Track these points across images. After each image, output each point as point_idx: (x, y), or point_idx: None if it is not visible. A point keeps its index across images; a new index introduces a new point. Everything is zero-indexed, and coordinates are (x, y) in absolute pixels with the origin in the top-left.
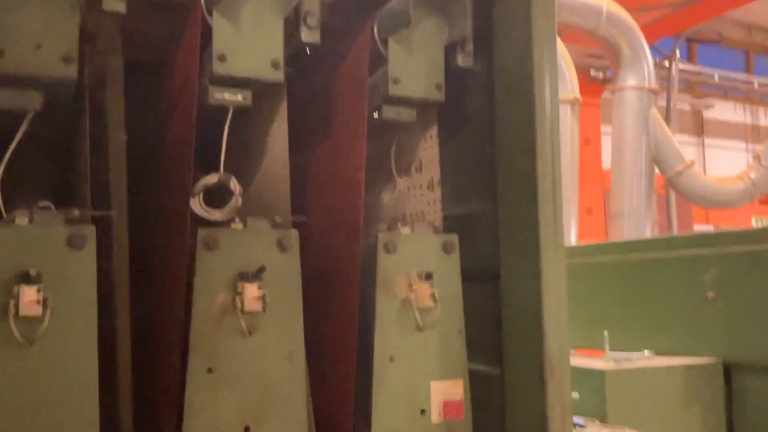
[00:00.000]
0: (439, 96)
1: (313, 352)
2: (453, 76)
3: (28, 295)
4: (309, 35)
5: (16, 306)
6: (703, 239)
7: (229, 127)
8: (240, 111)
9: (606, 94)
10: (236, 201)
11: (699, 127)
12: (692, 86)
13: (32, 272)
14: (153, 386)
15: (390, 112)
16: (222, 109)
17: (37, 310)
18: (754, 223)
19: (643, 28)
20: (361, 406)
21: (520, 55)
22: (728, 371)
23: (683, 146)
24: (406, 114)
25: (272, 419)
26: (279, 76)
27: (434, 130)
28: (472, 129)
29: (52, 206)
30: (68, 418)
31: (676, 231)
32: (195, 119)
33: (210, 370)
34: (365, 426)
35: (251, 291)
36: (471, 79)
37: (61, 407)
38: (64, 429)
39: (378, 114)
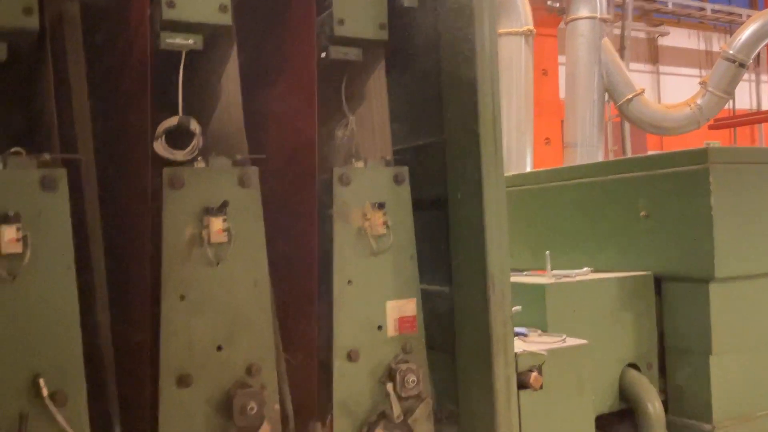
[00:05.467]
0: (383, 35)
1: (278, 279)
2: (400, 15)
3: (8, 234)
4: None
5: None
6: (636, 163)
7: (185, 71)
8: (193, 55)
9: (562, 25)
10: (197, 141)
11: (654, 55)
12: (647, 14)
13: (10, 213)
14: (129, 315)
15: (337, 52)
16: (177, 54)
17: (18, 248)
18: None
19: None
20: (324, 326)
21: None
22: (659, 283)
23: (638, 75)
24: (352, 53)
25: (242, 340)
26: (227, 19)
27: (382, 69)
28: (420, 66)
29: (23, 152)
30: (52, 348)
31: None
32: (150, 64)
33: (182, 297)
34: (328, 342)
35: (216, 224)
36: (417, 17)
37: (45, 337)
38: (48, 358)
39: (326, 54)
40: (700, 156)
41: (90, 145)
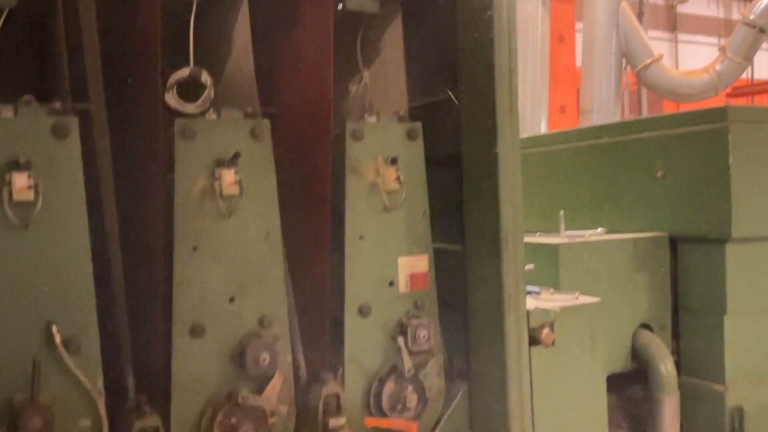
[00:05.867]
0: None
1: (290, 234)
2: None
3: (20, 181)
4: None
5: (10, 192)
6: (653, 122)
7: (196, 23)
8: (205, 4)
9: None
10: (209, 93)
11: (672, 23)
12: None
13: (22, 160)
14: (142, 264)
15: (353, 4)
16: (187, 4)
17: (29, 195)
18: None
19: None
20: (336, 282)
21: None
22: (674, 244)
23: (656, 42)
24: (369, 5)
25: (255, 291)
26: None
27: (398, 22)
28: (436, 22)
29: (34, 100)
30: (64, 295)
31: None
32: (159, 14)
33: (194, 249)
34: (340, 297)
35: (228, 176)
36: None
37: (58, 284)
38: (61, 305)
39: (342, 5)
40: (720, 115)
41: (101, 95)
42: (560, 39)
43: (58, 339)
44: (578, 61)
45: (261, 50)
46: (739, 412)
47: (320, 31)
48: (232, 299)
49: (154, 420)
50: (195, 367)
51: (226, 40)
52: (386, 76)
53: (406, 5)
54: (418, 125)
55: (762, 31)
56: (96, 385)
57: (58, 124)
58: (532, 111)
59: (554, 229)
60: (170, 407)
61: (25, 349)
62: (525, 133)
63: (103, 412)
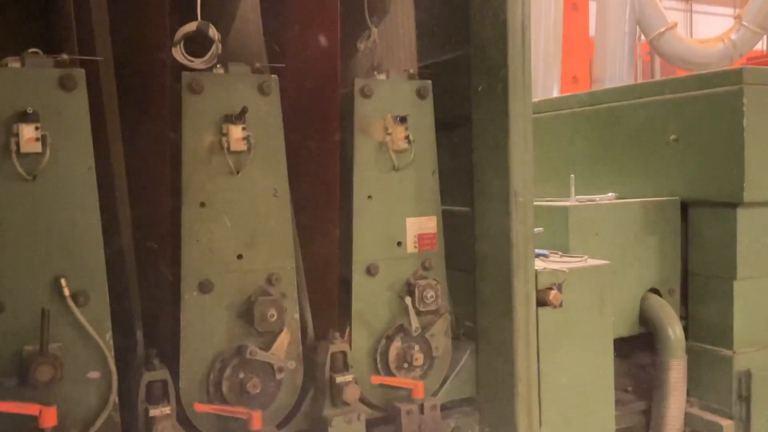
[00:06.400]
0: None
1: (298, 192)
2: None
3: (27, 132)
4: None
5: (17, 144)
6: (666, 85)
7: None
8: None
9: None
10: (216, 47)
11: None
12: None
13: (29, 110)
14: (151, 217)
15: None
16: None
17: (37, 147)
18: None
19: None
20: (345, 240)
21: None
22: (685, 208)
23: (671, 12)
24: None
25: (262, 248)
26: None
27: None
28: None
29: (41, 53)
30: (73, 248)
31: None
32: None
33: (202, 204)
34: (348, 256)
35: (236, 132)
36: None
37: (66, 238)
38: (70, 258)
39: None
40: (735, 76)
41: (108, 47)
42: (574, 7)
43: (67, 292)
44: (591, 31)
45: (268, 6)
46: (747, 376)
47: None
48: (240, 256)
49: (163, 374)
50: (203, 322)
51: None
52: (396, 33)
53: None
54: (428, 83)
55: None
56: (105, 338)
57: (65, 75)
58: (544, 80)
59: (565, 194)
60: (179, 361)
61: (35, 301)
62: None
63: (112, 365)
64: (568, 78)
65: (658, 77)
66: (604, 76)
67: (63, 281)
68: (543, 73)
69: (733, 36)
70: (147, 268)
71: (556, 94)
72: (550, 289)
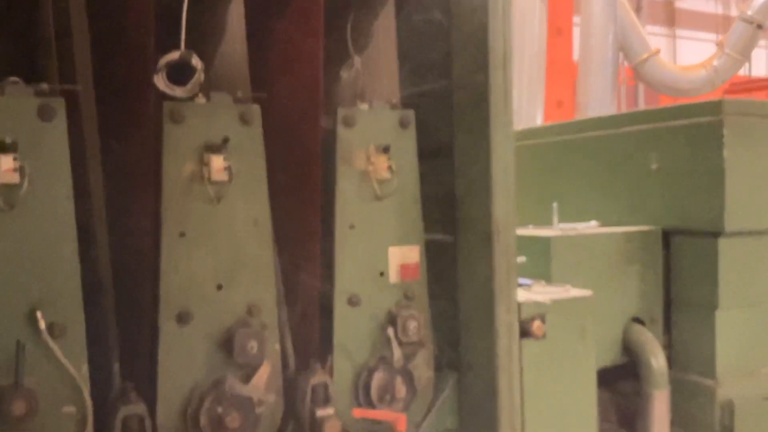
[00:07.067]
0: None
1: (280, 222)
2: None
3: (6, 163)
4: None
5: None
6: (648, 115)
7: (189, 6)
8: None
9: None
10: (199, 76)
11: (671, 18)
12: None
13: (8, 140)
14: (130, 248)
15: None
16: None
17: (15, 178)
18: None
19: None
20: (327, 270)
21: None
22: (667, 237)
23: (654, 37)
24: None
25: (243, 279)
26: None
27: (391, 8)
28: (428, 8)
29: (21, 82)
30: (50, 279)
31: None
32: None
33: (182, 234)
34: (330, 287)
35: (217, 162)
36: None
37: (43, 268)
38: (46, 289)
39: None
40: (715, 107)
41: (89, 77)
42: (558, 32)
43: (42, 325)
44: (576, 55)
45: (252, 35)
46: (730, 406)
47: (311, 15)
48: (219, 287)
49: (139, 407)
50: (182, 354)
51: (219, 24)
52: (378, 63)
53: None
54: (411, 113)
55: (759, 26)
56: (81, 371)
57: (44, 105)
58: (528, 105)
59: (548, 222)
60: (156, 395)
61: (9, 334)
62: (520, 128)
63: (88, 398)
64: (553, 102)
65: (642, 102)
66: (588, 102)
67: (39, 313)
68: (527, 99)
69: (715, 63)
70: (125, 298)
71: (540, 119)
72: (534, 320)
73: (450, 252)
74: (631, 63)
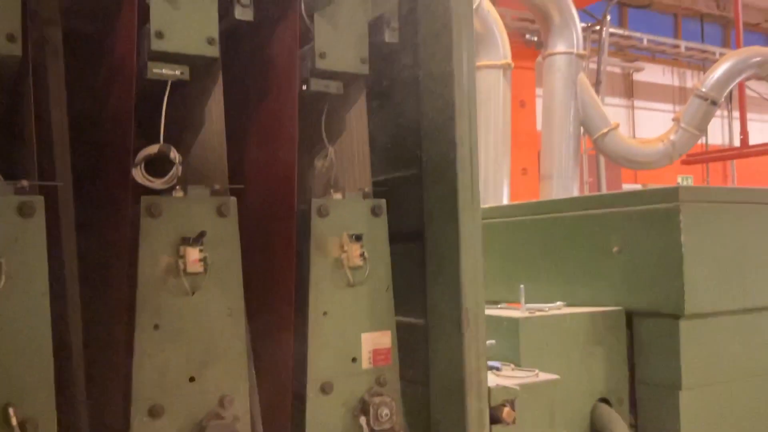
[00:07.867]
0: (364, 69)
1: (254, 310)
2: (381, 50)
3: None
4: (242, 13)
5: None
6: (608, 199)
7: (168, 100)
8: (178, 84)
9: (540, 58)
10: (177, 170)
11: (629, 90)
12: (623, 49)
13: None
14: (103, 342)
15: (318, 85)
16: (161, 83)
17: None
18: (680, 181)
19: None
20: (299, 357)
21: (439, 31)
22: (630, 318)
23: (614, 108)
24: (333, 86)
25: (216, 370)
26: (215, 51)
27: (363, 102)
28: (400, 99)
29: (1, 178)
30: (23, 375)
31: (605, 191)
32: (134, 93)
33: (156, 327)
34: (302, 374)
35: (193, 254)
36: (398, 52)
37: (17, 364)
38: (19, 385)
39: (307, 86)
40: (671, 194)
41: (68, 172)
42: (521, 104)
43: (14, 421)
44: (539, 125)
45: (228, 127)
46: None
47: (285, 110)
48: (192, 378)
49: None
50: None
51: (198, 118)
52: (351, 151)
53: (370, 84)
54: (383, 202)
55: (714, 103)
56: None
57: (24, 203)
58: (495, 176)
59: (516, 299)
60: None
61: None
62: (488, 197)
63: None
64: (518, 170)
65: (603, 171)
66: (552, 173)
67: (11, 410)
68: (494, 171)
69: (672, 137)
70: (97, 392)
71: (506, 188)
72: (504, 406)
73: (422, 335)
74: (592, 137)
